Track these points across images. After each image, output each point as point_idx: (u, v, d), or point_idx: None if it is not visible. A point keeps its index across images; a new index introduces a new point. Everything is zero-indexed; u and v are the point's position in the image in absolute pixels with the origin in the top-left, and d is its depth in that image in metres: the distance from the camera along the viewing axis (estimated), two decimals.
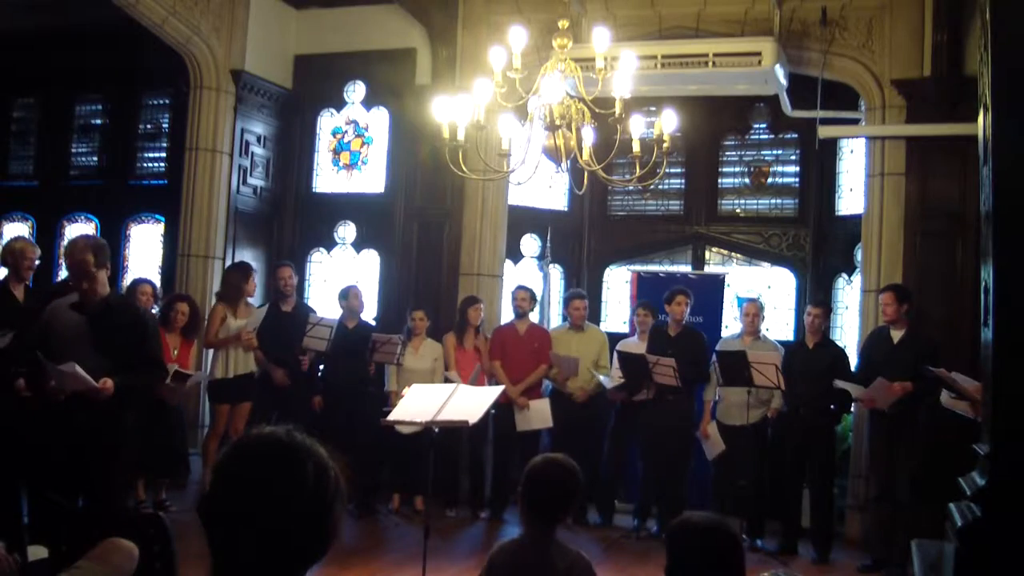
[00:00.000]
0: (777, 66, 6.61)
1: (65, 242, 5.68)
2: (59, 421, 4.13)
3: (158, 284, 7.29)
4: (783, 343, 6.93)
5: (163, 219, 9.12)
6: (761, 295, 7.61)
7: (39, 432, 4.21)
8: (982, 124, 2.96)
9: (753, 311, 6.70)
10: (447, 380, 6.81)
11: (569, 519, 2.92)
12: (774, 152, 8.40)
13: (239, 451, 1.47)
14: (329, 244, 8.62)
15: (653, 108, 6.57)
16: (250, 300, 7.09)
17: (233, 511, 1.40)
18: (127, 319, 4.39)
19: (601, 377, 6.91)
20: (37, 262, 5.91)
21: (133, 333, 4.34)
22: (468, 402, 4.92)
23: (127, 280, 8.44)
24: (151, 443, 6.23)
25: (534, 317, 7.43)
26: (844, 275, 7.87)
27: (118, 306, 4.42)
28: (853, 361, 6.58)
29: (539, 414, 6.88)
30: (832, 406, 6.40)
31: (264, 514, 1.39)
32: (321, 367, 7.13)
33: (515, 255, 8.38)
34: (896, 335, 6.07)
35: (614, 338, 7.26)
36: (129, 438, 4.44)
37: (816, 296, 7.47)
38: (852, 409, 6.69)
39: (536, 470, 2.91)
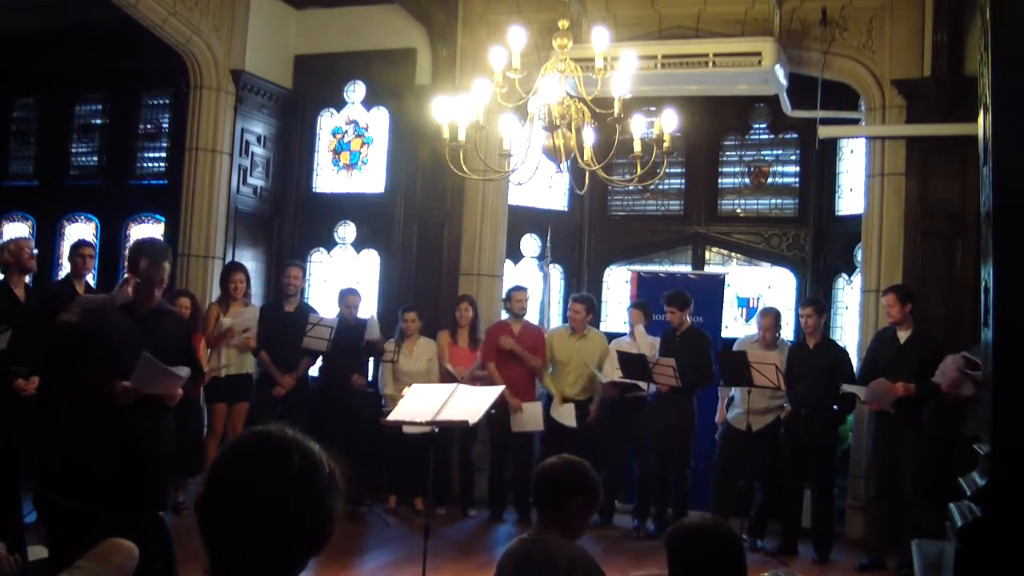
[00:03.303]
0: (777, 66, 6.61)
1: (132, 243, 5.59)
2: (117, 426, 4.01)
3: None
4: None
5: (163, 219, 9.10)
6: (766, 299, 7.55)
7: (100, 437, 4.00)
8: (982, 124, 2.95)
9: (768, 324, 6.66)
10: (446, 371, 6.82)
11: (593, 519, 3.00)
12: (774, 152, 8.40)
13: (230, 449, 1.49)
14: (329, 244, 8.61)
15: (653, 108, 6.56)
16: (252, 300, 7.10)
17: (223, 509, 1.41)
18: (175, 323, 4.42)
19: (596, 371, 6.92)
20: (36, 251, 6.00)
21: (180, 337, 4.39)
22: (468, 402, 4.92)
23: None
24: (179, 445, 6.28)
25: (534, 318, 7.41)
26: (844, 275, 7.87)
27: (166, 311, 4.40)
28: (854, 361, 6.57)
29: (532, 416, 6.89)
30: (836, 407, 6.39)
31: (252, 509, 1.39)
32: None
33: (515, 255, 8.37)
34: (902, 336, 6.04)
35: (613, 338, 7.24)
36: (171, 441, 4.43)
37: (814, 295, 7.45)
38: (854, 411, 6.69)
39: (542, 468, 2.96)
